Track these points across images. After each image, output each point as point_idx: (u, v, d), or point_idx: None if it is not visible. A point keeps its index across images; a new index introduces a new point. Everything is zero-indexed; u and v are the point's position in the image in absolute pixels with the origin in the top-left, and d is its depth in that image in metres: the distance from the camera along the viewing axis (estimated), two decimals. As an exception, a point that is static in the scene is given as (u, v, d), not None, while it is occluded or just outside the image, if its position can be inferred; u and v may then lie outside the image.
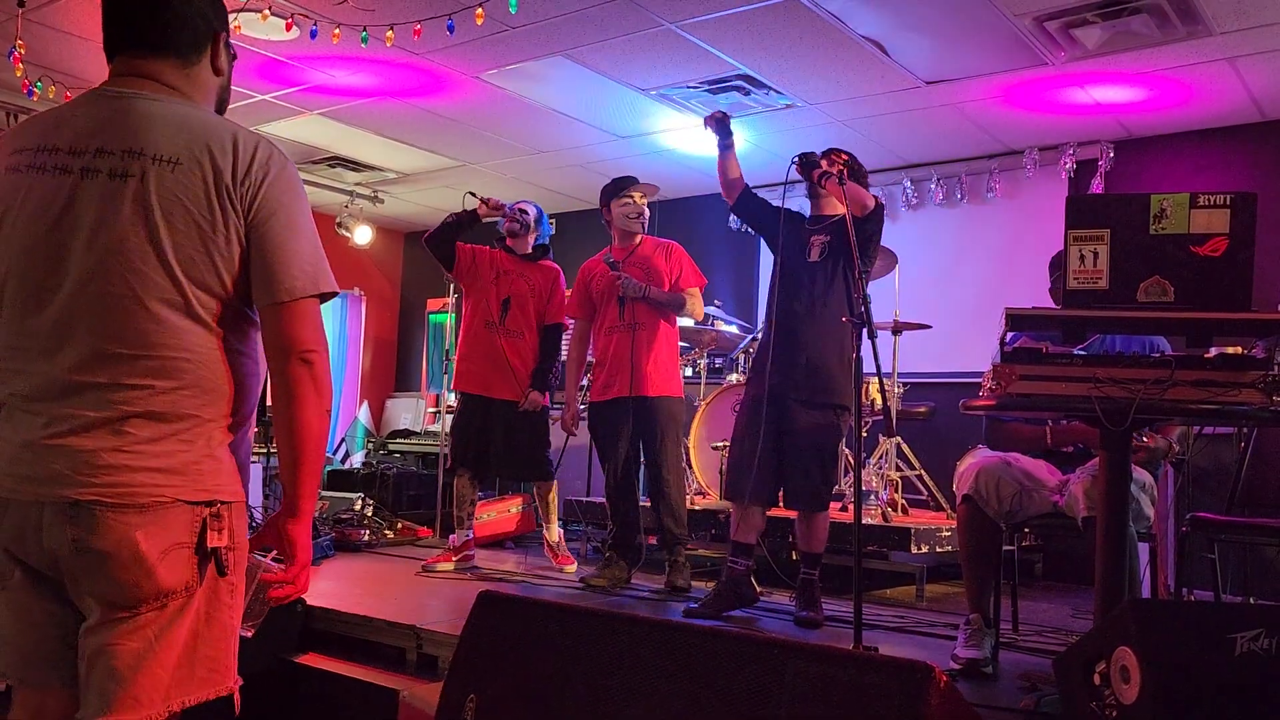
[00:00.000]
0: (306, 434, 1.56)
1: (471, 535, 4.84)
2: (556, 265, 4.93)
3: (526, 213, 4.84)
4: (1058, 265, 3.27)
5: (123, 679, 1.48)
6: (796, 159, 3.72)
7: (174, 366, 1.51)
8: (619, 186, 4.47)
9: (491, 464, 4.79)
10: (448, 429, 6.54)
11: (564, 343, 4.91)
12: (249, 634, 1.64)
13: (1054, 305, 3.34)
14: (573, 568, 4.77)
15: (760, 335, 3.92)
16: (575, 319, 4.60)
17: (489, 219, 4.80)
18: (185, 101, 1.61)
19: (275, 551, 1.62)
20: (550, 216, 8.20)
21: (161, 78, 1.60)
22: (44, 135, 1.57)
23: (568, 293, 4.75)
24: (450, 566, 4.67)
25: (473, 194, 4.81)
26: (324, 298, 1.60)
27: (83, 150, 1.53)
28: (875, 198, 3.71)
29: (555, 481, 4.88)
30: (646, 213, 4.46)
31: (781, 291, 3.73)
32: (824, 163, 3.73)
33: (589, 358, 4.65)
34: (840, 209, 3.65)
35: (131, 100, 1.56)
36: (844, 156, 3.83)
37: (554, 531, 4.89)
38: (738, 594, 3.65)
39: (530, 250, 4.86)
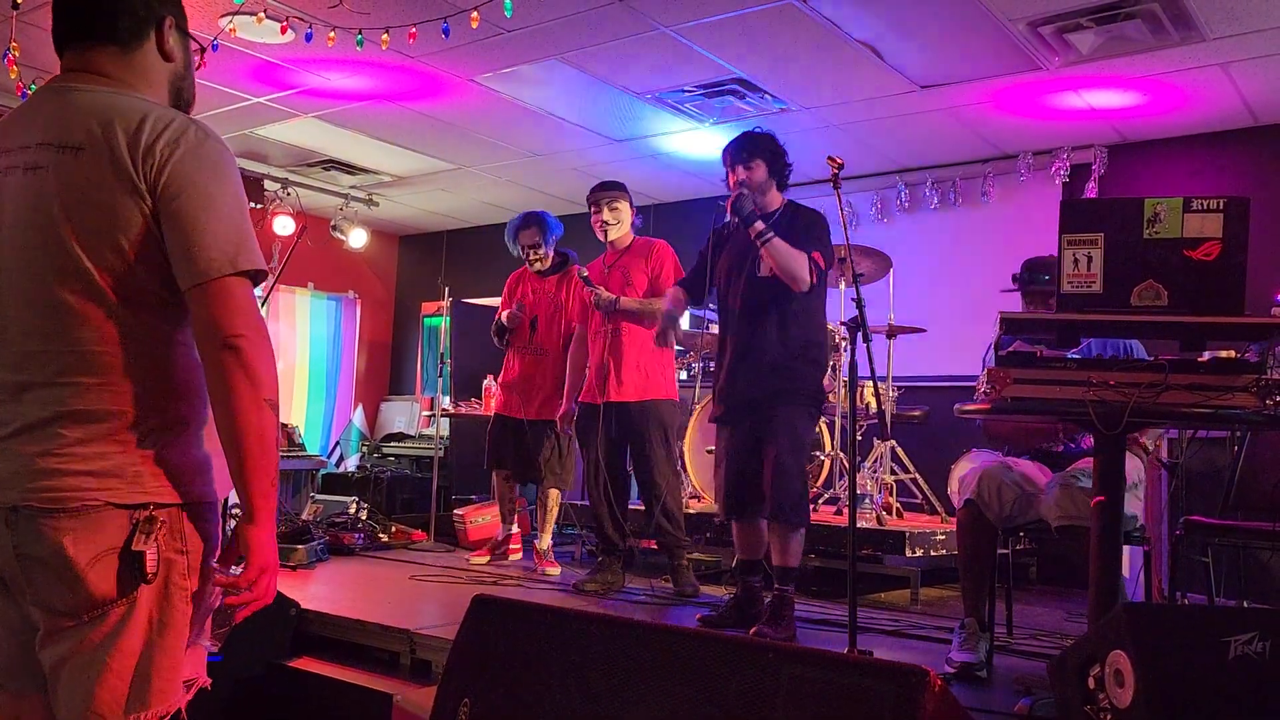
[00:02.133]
0: (244, 428, 1.44)
1: (514, 532, 5.04)
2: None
3: (539, 246, 4.90)
4: (1030, 274, 3.29)
5: (81, 693, 1.43)
6: (728, 205, 3.50)
7: (100, 361, 1.45)
8: (589, 196, 4.51)
9: (516, 467, 4.98)
10: (443, 432, 6.56)
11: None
12: (214, 647, 1.56)
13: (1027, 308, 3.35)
14: (556, 571, 4.79)
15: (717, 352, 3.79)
16: (578, 325, 4.65)
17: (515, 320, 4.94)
18: (120, 90, 1.54)
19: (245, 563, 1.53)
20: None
21: (102, 68, 1.56)
22: None
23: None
24: (484, 560, 4.97)
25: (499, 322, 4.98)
26: (253, 279, 1.49)
27: (10, 148, 1.51)
28: (812, 267, 3.43)
29: (558, 491, 4.93)
30: (613, 220, 4.43)
31: (733, 307, 3.60)
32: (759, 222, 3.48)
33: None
34: (778, 201, 3.62)
35: (68, 93, 1.53)
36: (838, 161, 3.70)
37: (545, 540, 4.89)
38: (750, 611, 3.58)
39: (549, 264, 4.96)
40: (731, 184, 3.59)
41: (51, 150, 1.47)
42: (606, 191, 4.48)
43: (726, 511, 3.65)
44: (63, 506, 1.41)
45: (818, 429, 5.47)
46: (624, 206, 4.48)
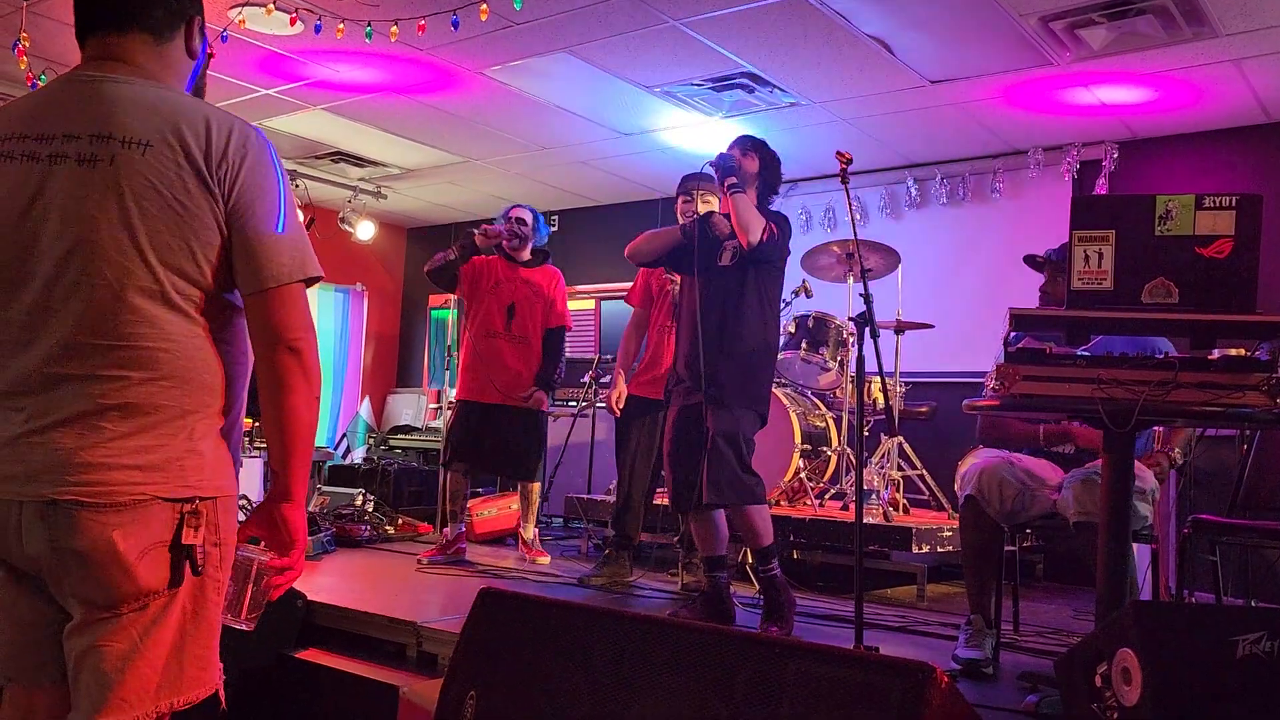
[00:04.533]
0: (297, 423, 1.53)
1: (463, 529, 4.90)
2: (556, 269, 5.00)
3: (525, 222, 4.89)
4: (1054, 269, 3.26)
5: (110, 681, 1.44)
6: (715, 163, 3.59)
7: (150, 356, 1.46)
8: (681, 184, 4.43)
9: (484, 460, 4.87)
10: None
11: (566, 344, 4.98)
12: (250, 628, 1.60)
13: (1044, 303, 3.33)
14: (546, 559, 4.86)
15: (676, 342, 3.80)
16: (634, 307, 4.62)
17: (487, 246, 4.85)
18: (156, 83, 1.55)
19: (263, 542, 1.57)
20: (553, 213, 8.27)
21: (133, 59, 1.56)
22: (15, 122, 1.53)
23: (569, 290, 4.82)
24: (441, 560, 4.74)
25: (471, 231, 4.86)
26: (309, 282, 1.56)
27: (51, 136, 1.49)
28: (768, 228, 3.50)
29: (538, 483, 4.93)
30: (704, 211, 4.39)
31: (690, 297, 3.63)
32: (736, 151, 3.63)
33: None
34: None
35: (101, 83, 1.52)
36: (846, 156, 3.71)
37: (530, 530, 4.94)
38: (718, 608, 3.56)
39: (529, 256, 4.93)
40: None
41: (113, 144, 1.46)
42: (703, 181, 4.38)
43: (673, 505, 3.67)
44: (111, 500, 1.41)
45: (823, 424, 5.47)
46: (715, 201, 4.34)
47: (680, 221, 4.41)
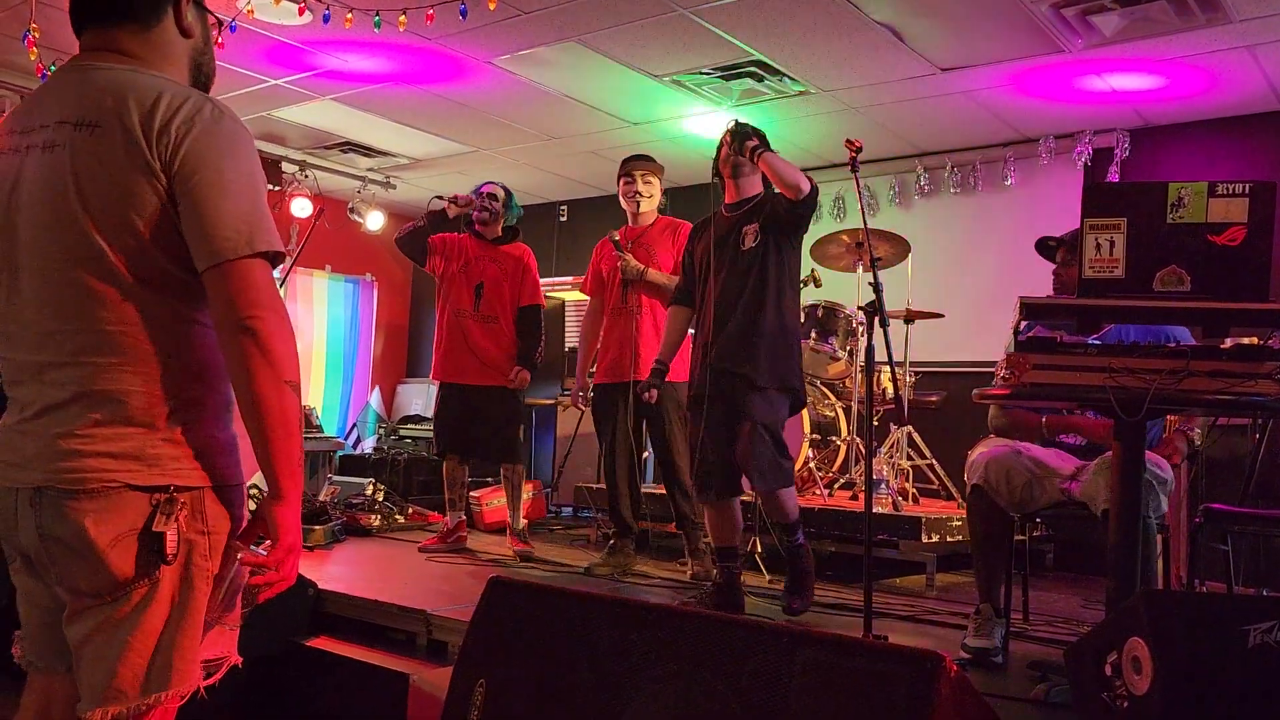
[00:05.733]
0: (265, 410, 1.44)
1: (463, 517, 4.91)
2: (526, 246, 4.94)
3: (496, 198, 4.85)
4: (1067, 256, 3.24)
5: (101, 670, 1.44)
6: (730, 130, 3.63)
7: (117, 341, 1.44)
8: (622, 166, 4.51)
9: (471, 446, 4.83)
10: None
11: (543, 322, 4.90)
12: (234, 630, 1.57)
13: (1057, 287, 3.30)
14: (529, 550, 4.77)
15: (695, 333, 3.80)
16: (589, 296, 4.61)
17: (459, 215, 4.82)
18: (140, 68, 1.52)
19: (269, 542, 1.52)
20: (562, 203, 8.25)
21: (122, 46, 1.55)
22: (13, 119, 1.56)
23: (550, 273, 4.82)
24: (443, 548, 4.74)
25: (439, 197, 4.86)
26: (271, 260, 1.48)
27: (30, 129, 1.51)
28: (809, 176, 3.53)
29: (520, 465, 4.83)
30: (646, 193, 4.43)
31: (715, 286, 3.62)
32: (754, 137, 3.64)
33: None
34: (759, 188, 3.66)
35: (86, 72, 1.51)
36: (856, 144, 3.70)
37: (518, 519, 4.82)
38: (730, 598, 3.54)
39: (500, 233, 4.89)
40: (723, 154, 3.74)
41: (69, 128, 1.46)
42: (642, 163, 4.47)
43: (698, 491, 3.66)
44: (83, 487, 1.41)
45: (832, 413, 5.46)
46: (657, 182, 4.47)
47: (623, 204, 4.45)
